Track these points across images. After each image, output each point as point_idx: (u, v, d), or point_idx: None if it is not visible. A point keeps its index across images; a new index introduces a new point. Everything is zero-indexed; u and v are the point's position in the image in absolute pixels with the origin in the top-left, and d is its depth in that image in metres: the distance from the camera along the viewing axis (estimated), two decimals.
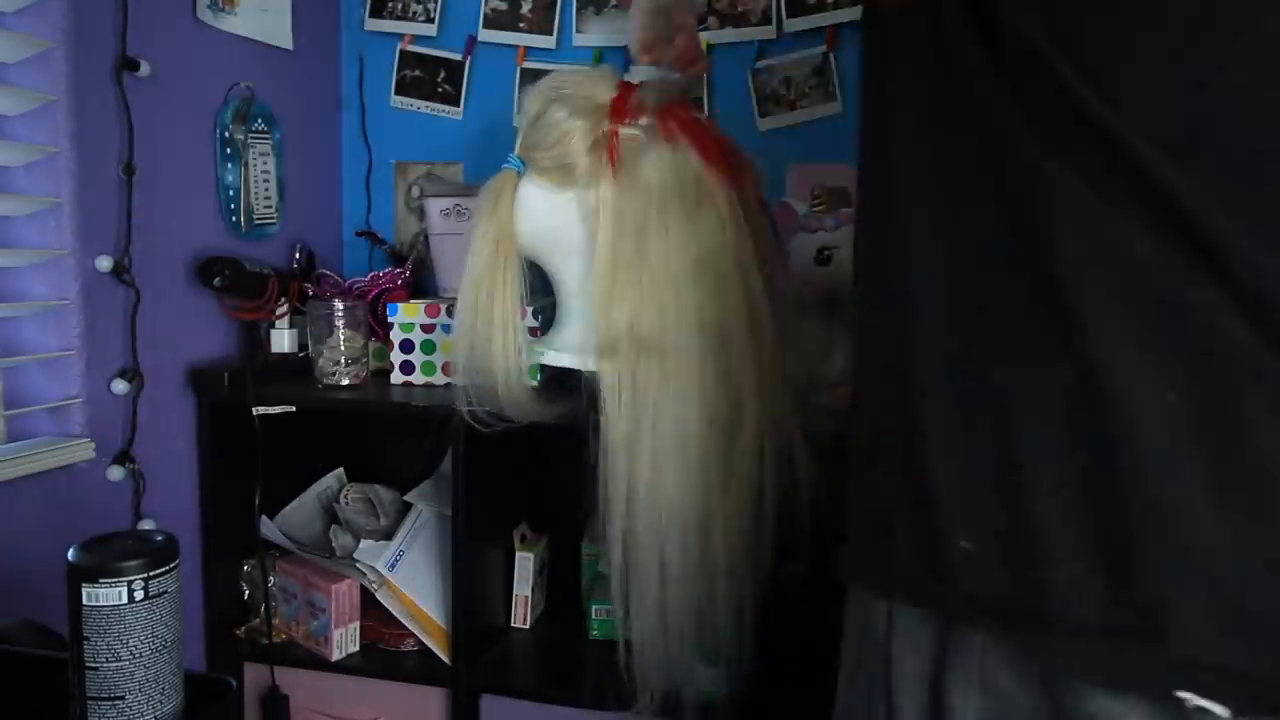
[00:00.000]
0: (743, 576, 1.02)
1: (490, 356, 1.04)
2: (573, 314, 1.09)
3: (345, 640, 1.40)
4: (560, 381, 1.12)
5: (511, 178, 1.05)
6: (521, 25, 1.65)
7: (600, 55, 1.62)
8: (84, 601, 0.65)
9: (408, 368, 1.42)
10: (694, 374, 0.96)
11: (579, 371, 1.07)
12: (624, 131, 0.99)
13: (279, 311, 1.48)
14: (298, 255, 1.58)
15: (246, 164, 1.50)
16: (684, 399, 0.96)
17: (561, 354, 1.10)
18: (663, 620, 1.02)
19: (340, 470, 1.62)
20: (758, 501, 1.02)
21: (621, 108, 1.00)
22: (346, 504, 1.49)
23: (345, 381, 1.41)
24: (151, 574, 0.67)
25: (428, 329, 1.40)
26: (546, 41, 1.63)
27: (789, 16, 1.52)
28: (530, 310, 1.32)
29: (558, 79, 1.06)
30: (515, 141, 1.07)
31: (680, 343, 0.96)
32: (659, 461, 0.97)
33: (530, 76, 1.63)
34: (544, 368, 1.16)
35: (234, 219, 1.48)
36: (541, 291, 1.21)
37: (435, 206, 1.53)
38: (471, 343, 1.04)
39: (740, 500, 1.00)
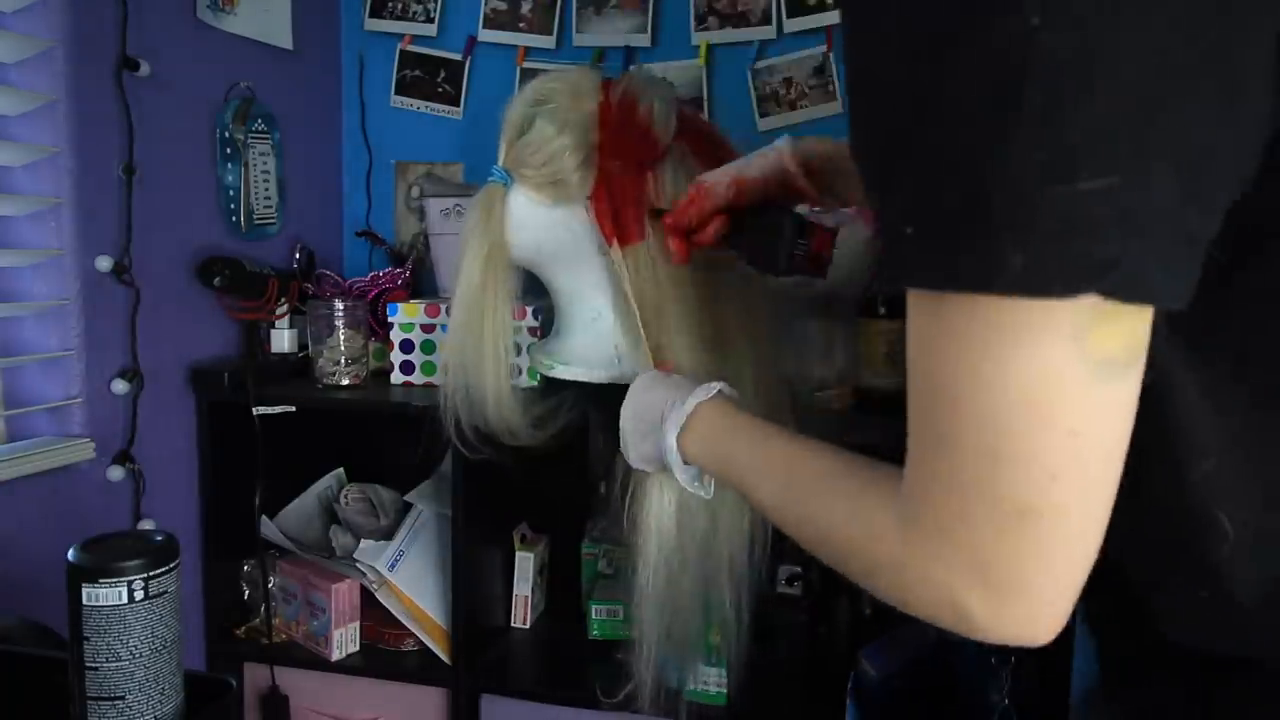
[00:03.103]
0: (742, 575, 1.02)
1: (482, 379, 1.03)
2: (573, 322, 1.08)
3: (345, 640, 1.40)
4: (557, 390, 1.11)
5: (499, 191, 1.02)
6: (521, 25, 1.65)
7: (600, 55, 1.62)
8: (84, 601, 0.65)
9: (408, 368, 1.42)
10: (700, 376, 0.96)
11: (585, 383, 1.06)
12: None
13: (279, 311, 1.48)
14: (298, 255, 1.58)
15: (246, 164, 1.50)
16: None
17: (572, 366, 1.09)
18: (670, 620, 1.02)
19: (340, 470, 1.61)
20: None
21: (608, 117, 0.98)
22: (346, 504, 1.49)
23: (345, 381, 1.41)
24: (151, 574, 0.67)
25: (428, 329, 1.40)
26: (546, 41, 1.63)
27: (789, 16, 1.52)
28: (530, 310, 1.32)
29: (538, 88, 1.03)
30: (499, 153, 1.05)
31: (685, 349, 0.95)
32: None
33: (530, 76, 1.62)
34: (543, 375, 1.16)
35: (234, 219, 1.48)
36: (537, 293, 1.20)
37: (435, 206, 1.53)
38: (463, 363, 1.03)
39: (741, 499, 1.00)
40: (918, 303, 0.42)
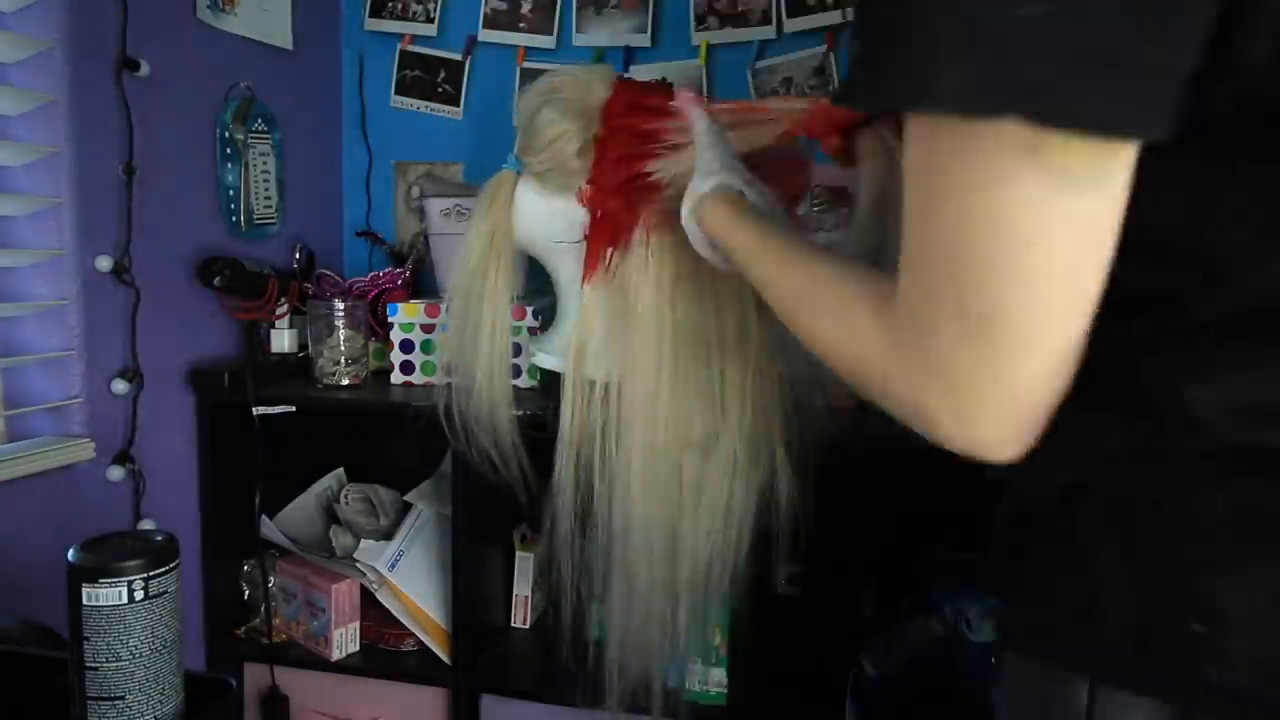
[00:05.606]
0: (710, 586, 1.03)
1: (476, 354, 1.04)
2: (568, 313, 1.09)
3: (345, 640, 1.40)
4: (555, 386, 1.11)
5: (510, 178, 1.05)
6: (521, 25, 1.65)
7: (600, 55, 1.62)
8: (84, 601, 0.65)
9: (408, 368, 1.42)
10: (662, 394, 0.96)
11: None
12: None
13: (279, 311, 1.48)
14: (298, 255, 1.58)
15: (246, 164, 1.50)
16: (649, 420, 0.96)
17: (550, 356, 1.10)
18: (630, 625, 1.02)
19: (340, 470, 1.61)
20: (729, 514, 1.01)
21: (613, 110, 0.99)
22: (346, 504, 1.49)
23: (345, 381, 1.41)
24: (151, 574, 0.67)
25: (428, 329, 1.40)
26: (546, 41, 1.63)
27: (789, 16, 1.52)
28: (530, 310, 1.32)
29: (552, 79, 1.05)
30: (515, 142, 1.07)
31: (647, 365, 0.95)
32: (626, 478, 0.98)
33: (530, 76, 1.63)
34: (544, 372, 1.16)
35: (234, 219, 1.48)
36: (541, 291, 1.20)
37: (435, 206, 1.53)
38: (459, 339, 1.04)
39: (711, 515, 1.00)
40: (908, 131, 0.44)
